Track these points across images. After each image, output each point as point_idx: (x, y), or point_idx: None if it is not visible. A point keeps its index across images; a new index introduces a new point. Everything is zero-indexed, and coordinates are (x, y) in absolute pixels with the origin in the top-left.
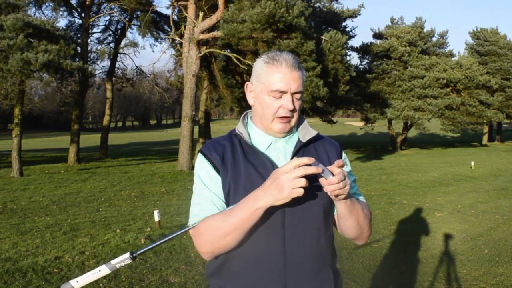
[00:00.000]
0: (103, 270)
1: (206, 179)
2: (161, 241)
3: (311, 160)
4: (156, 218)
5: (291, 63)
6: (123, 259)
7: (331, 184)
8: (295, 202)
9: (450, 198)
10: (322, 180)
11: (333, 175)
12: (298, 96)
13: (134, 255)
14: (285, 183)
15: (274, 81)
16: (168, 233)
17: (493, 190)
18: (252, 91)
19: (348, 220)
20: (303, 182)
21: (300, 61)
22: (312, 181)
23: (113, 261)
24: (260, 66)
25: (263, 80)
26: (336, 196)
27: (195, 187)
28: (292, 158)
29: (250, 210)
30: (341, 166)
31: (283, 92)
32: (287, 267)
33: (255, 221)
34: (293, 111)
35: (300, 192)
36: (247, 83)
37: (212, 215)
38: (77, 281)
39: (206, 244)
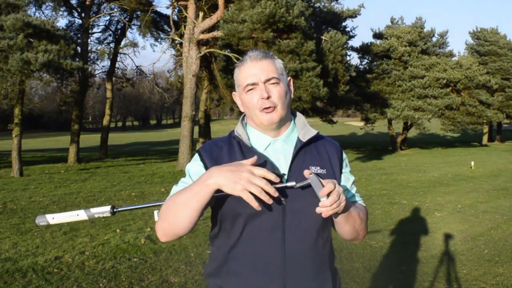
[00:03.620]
0: (81, 215)
1: (192, 172)
2: (140, 206)
3: (277, 179)
4: (156, 218)
5: (255, 56)
6: (103, 211)
7: (323, 206)
8: (296, 202)
9: (450, 198)
10: (318, 195)
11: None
12: (272, 81)
13: (114, 210)
14: (243, 181)
15: (243, 77)
16: None
17: (493, 190)
18: (237, 96)
19: (344, 227)
20: (257, 191)
21: (270, 52)
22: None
23: (93, 210)
24: (235, 72)
25: (238, 82)
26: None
27: (181, 179)
28: (293, 159)
29: (201, 185)
30: (333, 189)
31: (255, 84)
32: (287, 267)
33: (204, 198)
34: (270, 98)
35: (249, 199)
36: (233, 93)
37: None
38: (53, 218)
39: (161, 218)
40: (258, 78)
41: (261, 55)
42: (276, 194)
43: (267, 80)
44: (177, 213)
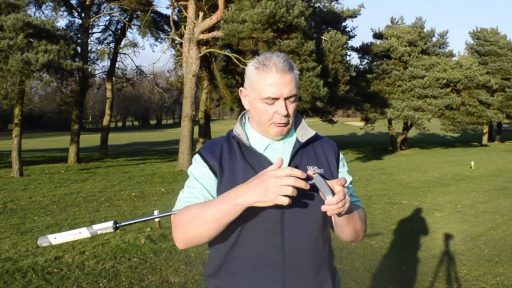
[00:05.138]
0: (83, 233)
1: (198, 175)
2: (145, 218)
3: (303, 175)
4: (156, 218)
5: (281, 67)
6: (105, 227)
7: (328, 205)
8: (295, 203)
9: (450, 198)
10: (321, 195)
11: (332, 191)
12: (292, 99)
13: (117, 225)
14: (272, 188)
15: (265, 88)
16: (168, 233)
17: (493, 190)
18: (247, 96)
19: (346, 228)
20: (290, 191)
21: (291, 61)
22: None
23: (95, 226)
24: (251, 72)
25: (255, 87)
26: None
27: (186, 182)
28: (291, 159)
29: (229, 205)
30: (343, 184)
31: (276, 99)
32: (286, 267)
33: (234, 217)
34: (287, 116)
35: (285, 201)
36: (241, 88)
37: (194, 204)
38: (55, 238)
39: (181, 229)
40: (281, 93)
41: (287, 66)
42: (307, 187)
43: (289, 97)
44: (200, 228)
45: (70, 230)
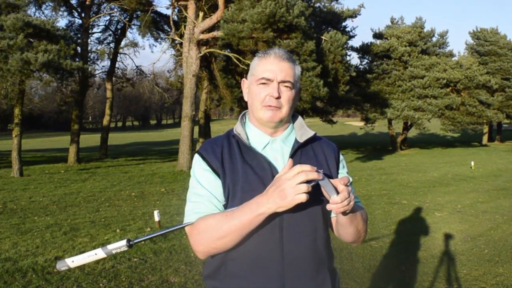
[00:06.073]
0: (99, 254)
1: (203, 180)
2: (158, 233)
3: (313, 169)
4: (156, 218)
5: (280, 55)
6: (119, 246)
7: (334, 203)
8: None
9: (450, 198)
10: (325, 194)
11: (336, 190)
12: (286, 85)
13: (131, 243)
14: (288, 190)
15: (262, 70)
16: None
17: (493, 190)
18: (247, 86)
19: (348, 229)
20: (305, 188)
21: (293, 57)
22: (312, 185)
23: (110, 246)
24: (254, 61)
25: (253, 72)
26: (341, 213)
27: (191, 185)
28: (290, 158)
29: (252, 215)
30: (346, 183)
31: (270, 80)
32: (285, 268)
33: (256, 225)
34: (279, 99)
35: (303, 198)
36: (243, 79)
37: (212, 215)
38: (72, 261)
39: (203, 243)
40: (275, 76)
41: (286, 56)
42: (320, 177)
43: (283, 81)
44: (225, 239)
45: (86, 252)
